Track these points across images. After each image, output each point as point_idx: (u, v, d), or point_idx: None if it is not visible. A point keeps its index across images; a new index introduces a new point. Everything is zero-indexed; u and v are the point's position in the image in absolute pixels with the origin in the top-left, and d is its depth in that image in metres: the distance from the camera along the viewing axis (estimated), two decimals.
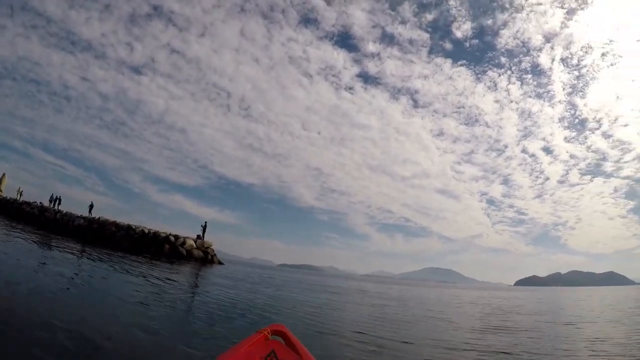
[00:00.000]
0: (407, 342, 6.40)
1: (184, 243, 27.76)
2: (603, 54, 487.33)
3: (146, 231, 27.00)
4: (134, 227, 27.25)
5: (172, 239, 27.25)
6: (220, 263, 30.65)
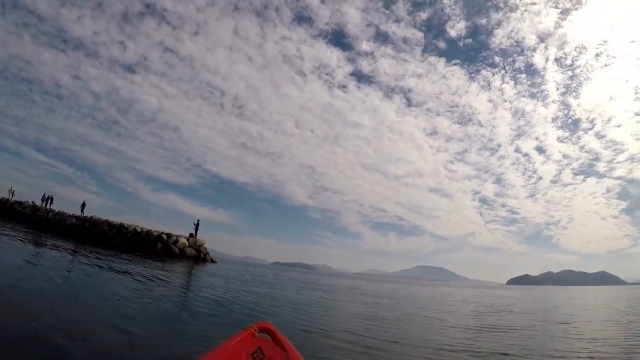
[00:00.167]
0: (397, 342, 6.19)
1: (176, 241, 27.63)
2: (597, 55, 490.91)
3: (138, 230, 26.88)
4: (126, 225, 27.17)
5: (165, 237, 27.13)
6: (212, 261, 30.50)
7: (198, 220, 30.29)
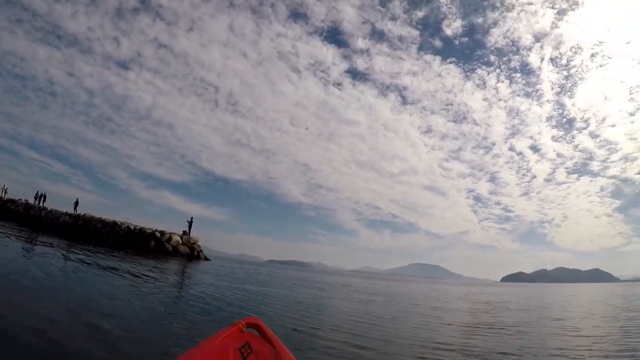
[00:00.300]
0: (392, 341, 5.98)
1: (169, 239, 27.35)
2: (592, 55, 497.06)
3: (132, 227, 26.68)
4: (119, 223, 26.98)
5: (158, 235, 26.87)
6: (206, 259, 30.23)
7: (192, 218, 30.09)
